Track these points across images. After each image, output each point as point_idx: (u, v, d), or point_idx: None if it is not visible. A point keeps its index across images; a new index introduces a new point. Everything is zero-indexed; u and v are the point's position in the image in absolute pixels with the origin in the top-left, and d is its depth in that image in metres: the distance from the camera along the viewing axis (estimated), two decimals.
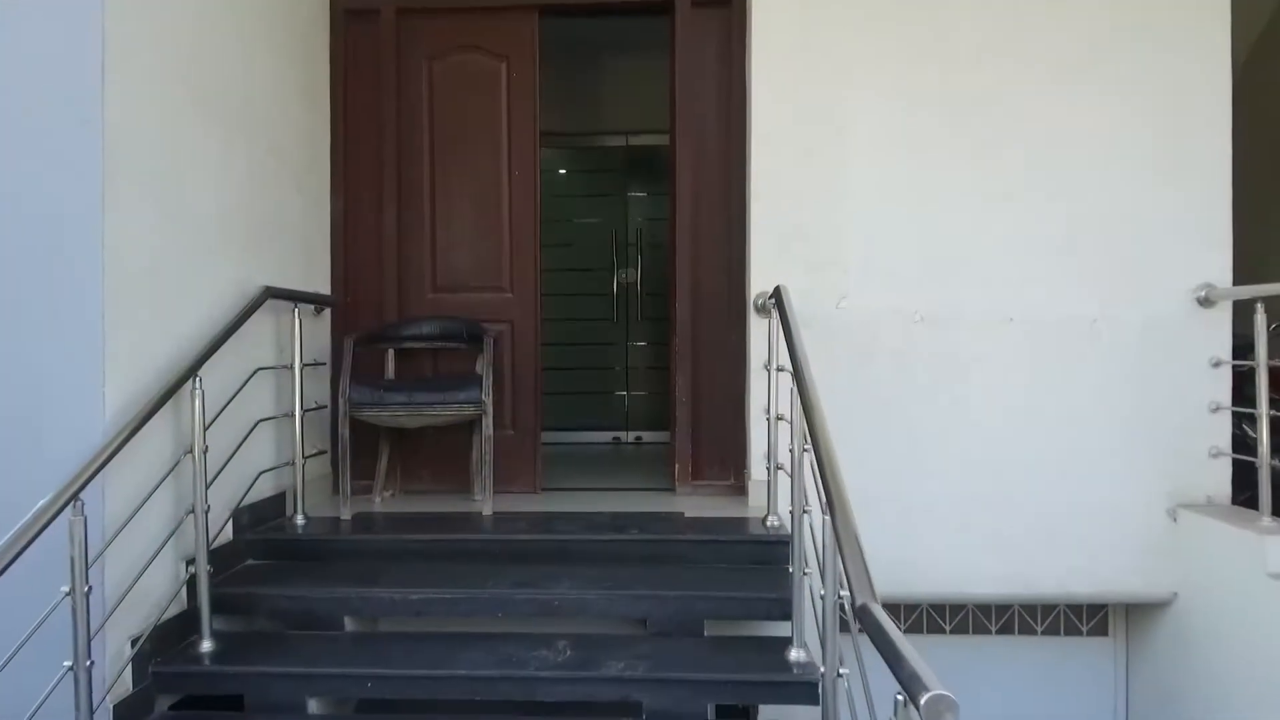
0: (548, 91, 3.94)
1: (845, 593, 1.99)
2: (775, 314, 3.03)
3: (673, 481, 3.71)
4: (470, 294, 3.78)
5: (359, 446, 3.59)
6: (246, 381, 2.94)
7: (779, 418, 3.03)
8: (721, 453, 3.68)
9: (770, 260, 3.43)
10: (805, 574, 2.47)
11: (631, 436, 5.71)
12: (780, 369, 3.02)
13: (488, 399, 3.23)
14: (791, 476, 2.50)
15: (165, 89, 2.61)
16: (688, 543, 2.92)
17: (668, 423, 5.05)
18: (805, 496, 2.47)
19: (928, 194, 3.40)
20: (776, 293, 2.85)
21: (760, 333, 3.39)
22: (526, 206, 3.78)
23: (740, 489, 3.63)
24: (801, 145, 3.43)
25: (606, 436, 5.72)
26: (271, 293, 3.02)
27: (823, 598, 2.00)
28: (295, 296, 3.21)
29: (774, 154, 3.43)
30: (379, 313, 3.75)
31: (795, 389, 2.47)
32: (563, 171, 5.80)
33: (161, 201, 2.59)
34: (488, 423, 3.25)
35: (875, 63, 3.43)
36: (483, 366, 3.33)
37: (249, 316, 2.87)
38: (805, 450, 2.45)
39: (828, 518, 1.94)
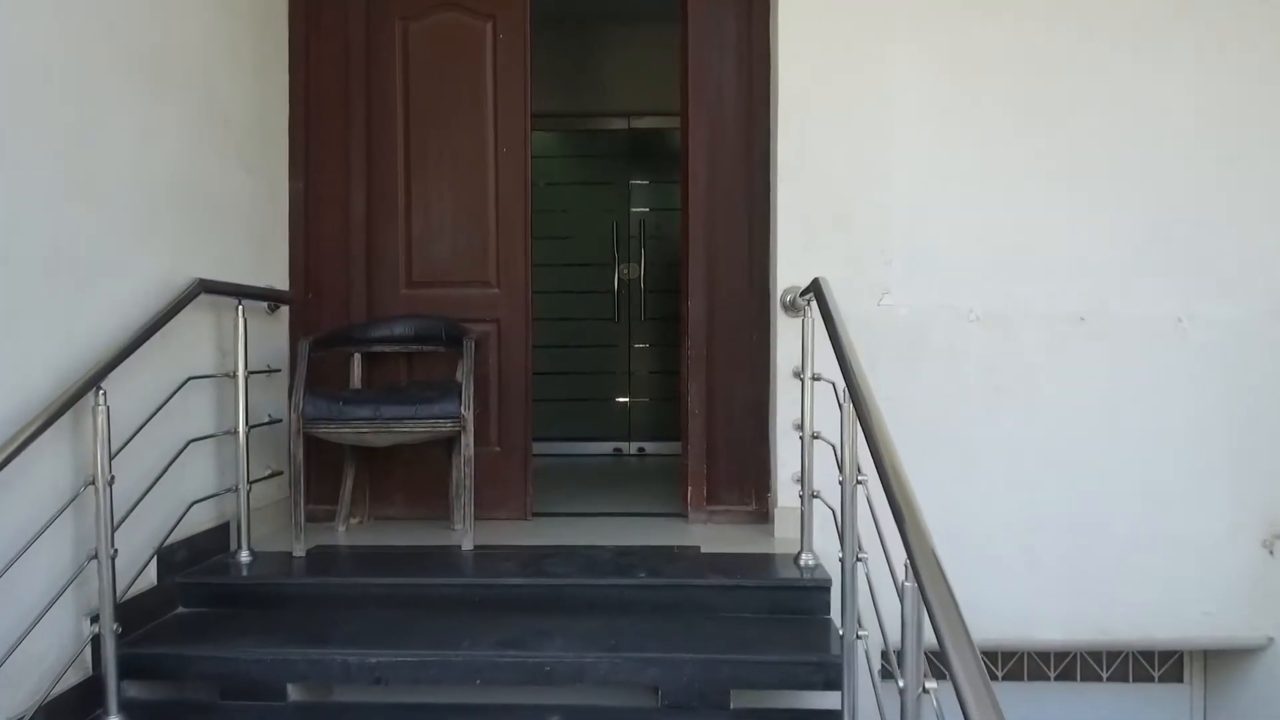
0: (539, 69, 3.46)
1: (932, 684, 1.51)
2: (810, 311, 2.55)
3: (684, 506, 3.21)
4: (451, 289, 3.28)
5: (324, 465, 3.12)
6: (174, 393, 2.44)
7: (814, 436, 2.54)
8: (741, 473, 3.18)
9: (799, 251, 2.94)
10: (860, 637, 1.98)
11: (634, 448, 5.21)
12: (816, 377, 2.54)
13: (468, 412, 2.73)
14: (841, 515, 2.01)
15: (73, 35, 2.11)
16: (707, 588, 2.42)
17: (673, 432, 4.56)
18: (858, 539, 1.99)
19: (985, 173, 2.91)
20: (815, 286, 2.35)
21: (789, 334, 2.91)
22: (516, 189, 3.28)
23: (762, 515, 3.13)
24: (837, 118, 2.93)
25: (606, 448, 5.23)
26: (207, 286, 2.53)
27: (902, 692, 1.50)
28: (240, 291, 2.72)
29: (805, 128, 2.94)
30: (345, 311, 3.25)
31: (846, 404, 1.98)
32: (557, 157, 5.30)
33: (64, 172, 2.10)
34: (468, 440, 2.75)
35: (923, 22, 2.93)
36: (464, 373, 2.83)
37: (175, 314, 2.37)
38: (860, 482, 1.97)
39: (909, 584, 1.45)
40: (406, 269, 3.29)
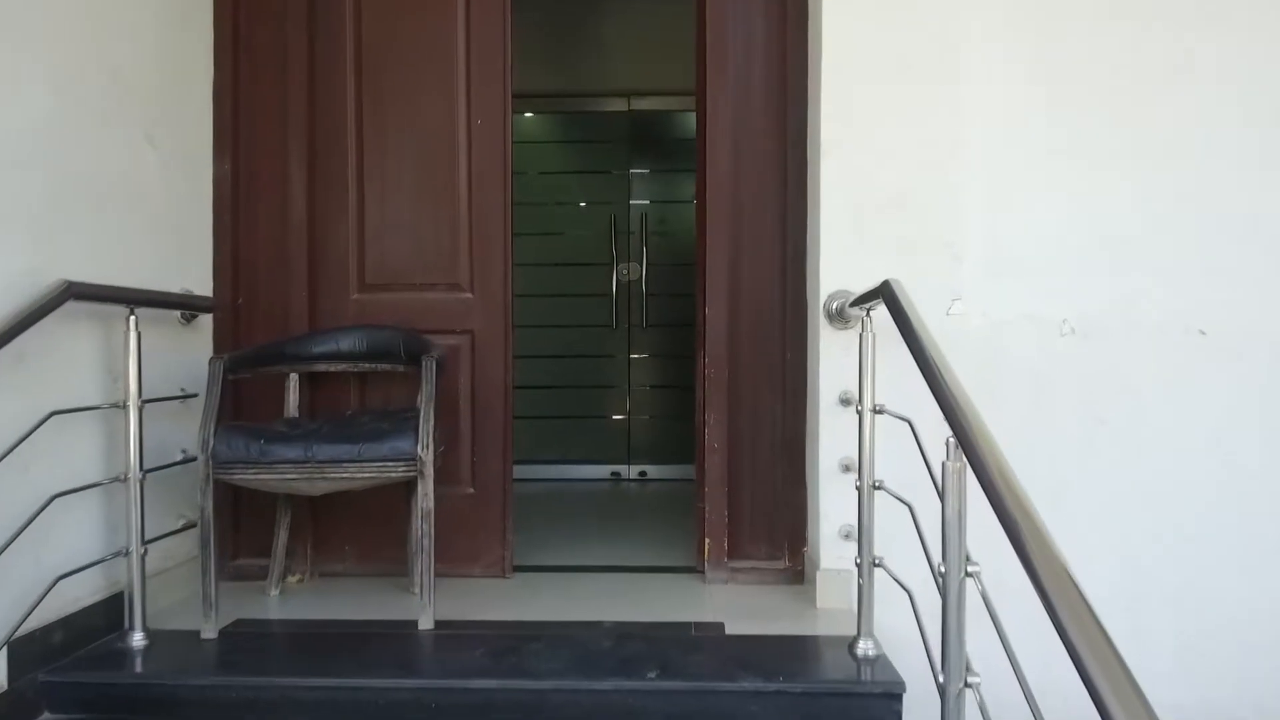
0: (525, 44, 2.87)
1: None
2: (868, 324, 1.97)
3: (700, 558, 2.62)
4: (412, 294, 2.68)
5: (256, 510, 2.55)
6: (28, 435, 1.84)
7: (875, 486, 1.95)
8: (769, 521, 2.59)
9: (847, 244, 2.35)
10: None
11: (634, 472, 4.61)
12: (879, 410, 1.95)
13: (426, 453, 2.13)
14: (944, 618, 1.41)
15: None
16: (738, 695, 1.82)
17: (678, 455, 4.04)
18: (967, 658, 1.41)
19: (1081, 147, 2.32)
20: (884, 291, 1.76)
21: (835, 350, 2.34)
22: (493, 171, 2.68)
23: (797, 575, 2.55)
24: (895, 76, 2.34)
25: (602, 471, 4.62)
26: (78, 291, 1.92)
27: None
28: (132, 297, 2.11)
29: (853, 89, 2.35)
30: (283, 320, 2.64)
31: (955, 460, 1.39)
32: (548, 142, 4.69)
33: None
34: (427, 489, 2.14)
35: None
36: (423, 401, 2.23)
37: (27, 328, 1.77)
38: (970, 574, 1.38)
39: None
40: (358, 269, 2.69)
